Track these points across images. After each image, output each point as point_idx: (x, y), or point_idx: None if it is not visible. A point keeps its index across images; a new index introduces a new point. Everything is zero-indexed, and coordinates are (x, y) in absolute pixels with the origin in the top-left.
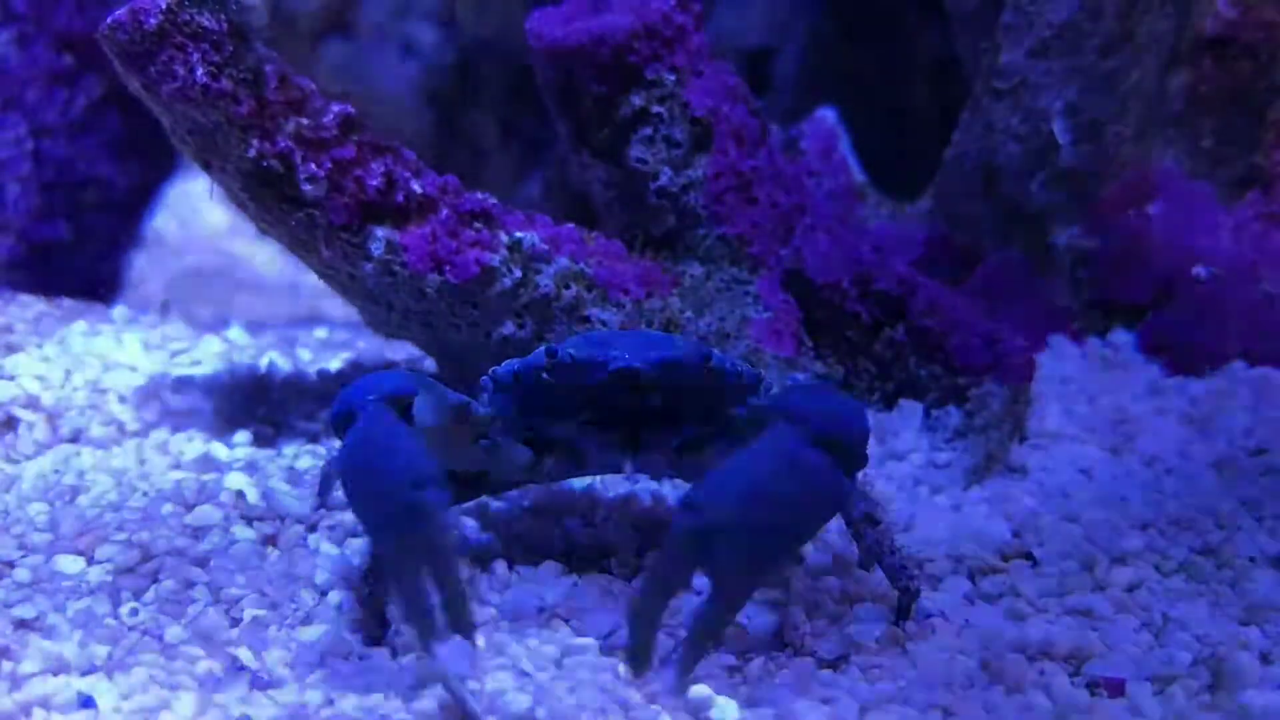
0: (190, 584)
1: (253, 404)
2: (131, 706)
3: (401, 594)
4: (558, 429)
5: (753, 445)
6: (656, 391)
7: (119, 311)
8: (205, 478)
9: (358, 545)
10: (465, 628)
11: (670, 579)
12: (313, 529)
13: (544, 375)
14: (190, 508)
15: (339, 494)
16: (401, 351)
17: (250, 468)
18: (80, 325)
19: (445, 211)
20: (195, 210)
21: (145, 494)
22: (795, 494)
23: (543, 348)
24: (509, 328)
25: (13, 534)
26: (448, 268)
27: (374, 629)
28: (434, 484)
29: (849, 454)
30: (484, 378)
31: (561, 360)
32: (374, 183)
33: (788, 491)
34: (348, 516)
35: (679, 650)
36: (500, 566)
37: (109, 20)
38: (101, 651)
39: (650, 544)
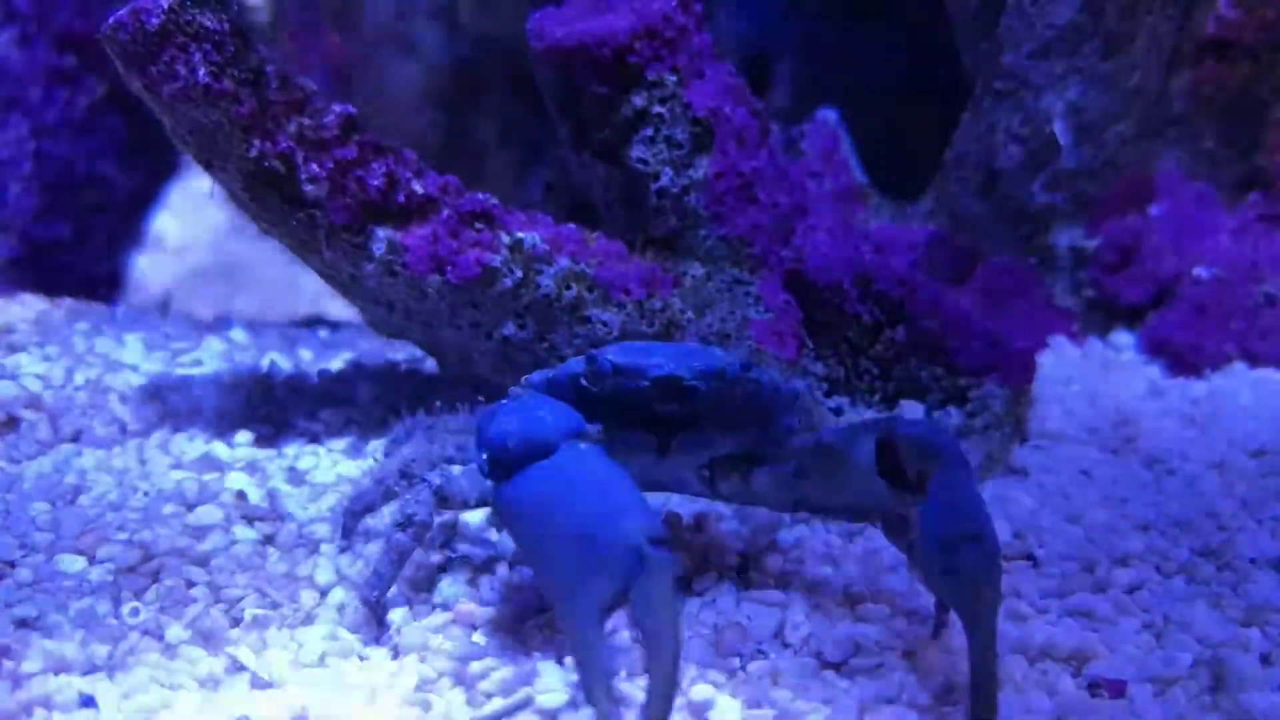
0: (191, 584)
1: (254, 404)
2: (132, 706)
3: (585, 650)
4: None
5: (963, 485)
6: (695, 401)
7: (120, 311)
8: (206, 477)
9: (358, 546)
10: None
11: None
12: (313, 529)
13: (582, 382)
14: (191, 507)
15: (366, 524)
16: (402, 352)
17: (251, 468)
18: (82, 325)
19: (446, 212)
20: (196, 210)
21: (146, 494)
22: None
23: (583, 355)
24: (510, 328)
25: (14, 533)
26: (449, 268)
27: (374, 630)
28: (667, 545)
29: None
30: (514, 388)
31: (601, 367)
32: (375, 183)
33: None
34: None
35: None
36: (501, 567)
37: (111, 20)
38: (102, 651)
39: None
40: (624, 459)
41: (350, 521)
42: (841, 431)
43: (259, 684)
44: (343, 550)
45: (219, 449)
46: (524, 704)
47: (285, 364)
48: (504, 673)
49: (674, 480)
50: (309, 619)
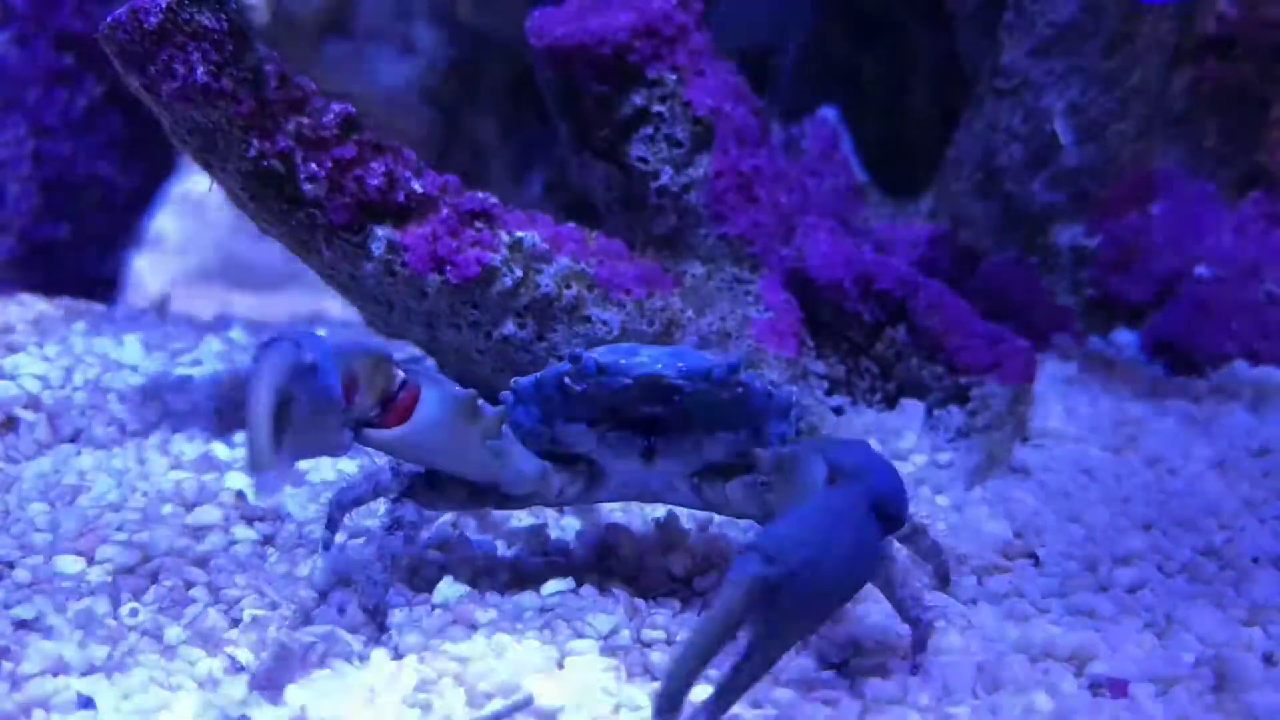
0: (190, 584)
1: None
2: (131, 707)
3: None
4: (577, 441)
5: (820, 502)
6: (680, 402)
7: (119, 311)
8: (205, 478)
9: (359, 545)
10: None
11: (732, 624)
12: (312, 529)
13: (567, 380)
14: (190, 508)
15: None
16: (402, 351)
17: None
18: (81, 325)
19: (446, 211)
20: (196, 210)
21: (145, 494)
22: (860, 567)
23: (568, 353)
24: (509, 327)
25: (13, 534)
26: (448, 267)
27: (374, 630)
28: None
29: (895, 527)
30: (504, 393)
31: (585, 366)
32: (374, 182)
33: (856, 563)
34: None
35: (709, 700)
36: (501, 568)
37: (109, 19)
38: (101, 652)
39: (648, 545)
40: (611, 462)
41: (336, 513)
42: (802, 448)
43: (258, 684)
44: (325, 544)
45: (218, 449)
46: (524, 704)
47: None
48: (504, 673)
49: (665, 489)
50: (308, 619)
